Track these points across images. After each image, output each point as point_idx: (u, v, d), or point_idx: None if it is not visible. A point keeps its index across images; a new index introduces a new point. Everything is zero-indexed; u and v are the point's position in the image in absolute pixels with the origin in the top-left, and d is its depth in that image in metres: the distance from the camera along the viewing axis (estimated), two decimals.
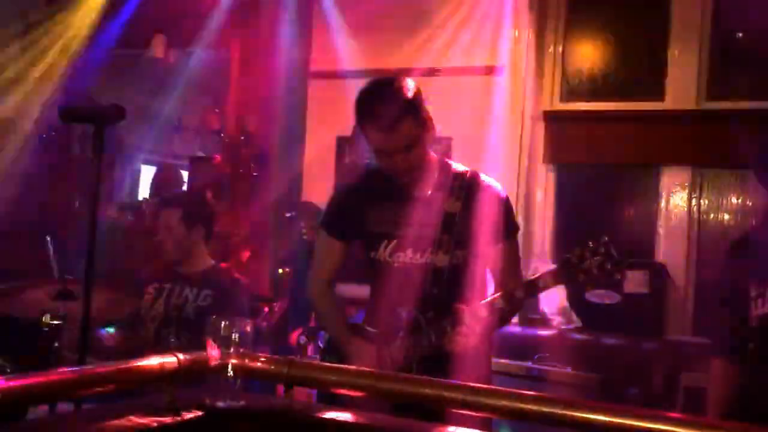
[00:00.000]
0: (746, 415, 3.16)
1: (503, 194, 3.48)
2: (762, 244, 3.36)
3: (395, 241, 3.38)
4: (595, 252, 3.07)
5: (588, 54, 6.46)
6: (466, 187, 3.42)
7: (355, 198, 3.53)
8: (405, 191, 3.40)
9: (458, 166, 3.53)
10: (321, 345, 5.10)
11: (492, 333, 3.43)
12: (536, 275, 3.29)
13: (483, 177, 3.48)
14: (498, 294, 3.25)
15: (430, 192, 3.41)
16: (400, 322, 3.33)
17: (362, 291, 3.65)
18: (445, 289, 3.33)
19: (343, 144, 6.88)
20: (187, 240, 4.72)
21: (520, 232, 3.68)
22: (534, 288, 3.27)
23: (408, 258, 3.36)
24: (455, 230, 3.35)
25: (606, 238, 3.11)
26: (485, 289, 3.37)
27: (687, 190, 6.06)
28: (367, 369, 2.78)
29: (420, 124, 3.29)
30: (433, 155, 3.48)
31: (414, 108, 3.26)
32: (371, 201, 3.46)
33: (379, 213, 3.43)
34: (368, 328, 3.44)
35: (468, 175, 3.47)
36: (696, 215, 6.06)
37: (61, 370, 1.93)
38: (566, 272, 3.13)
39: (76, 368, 2.01)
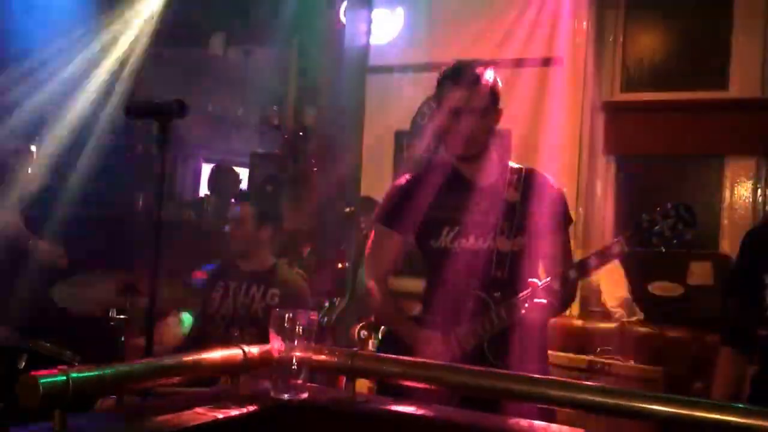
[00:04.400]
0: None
1: (559, 188, 3.59)
2: None
3: (457, 227, 3.43)
4: (666, 215, 3.14)
5: (649, 43, 6.40)
6: (524, 179, 3.50)
7: (413, 190, 3.55)
8: (465, 181, 3.48)
9: (515, 163, 3.60)
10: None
11: (551, 316, 3.46)
12: (603, 246, 3.31)
13: (539, 172, 3.57)
14: (557, 274, 3.29)
15: (489, 182, 3.48)
16: (466, 305, 3.37)
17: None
18: (508, 272, 3.39)
19: (401, 138, 6.89)
20: (254, 237, 4.78)
21: (580, 224, 3.71)
22: (605, 257, 3.27)
23: (470, 244, 3.42)
24: (515, 218, 3.41)
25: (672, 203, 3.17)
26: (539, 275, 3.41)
27: (752, 181, 5.98)
28: (428, 360, 2.81)
29: (495, 95, 3.43)
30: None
31: (492, 77, 3.43)
32: (430, 191, 3.50)
33: (438, 202, 3.47)
34: (429, 317, 3.45)
35: (525, 170, 3.56)
36: (761, 206, 5.98)
37: (128, 362, 1.97)
38: (639, 237, 3.17)
39: (144, 360, 2.05)
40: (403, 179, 3.62)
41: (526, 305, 3.24)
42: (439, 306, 3.44)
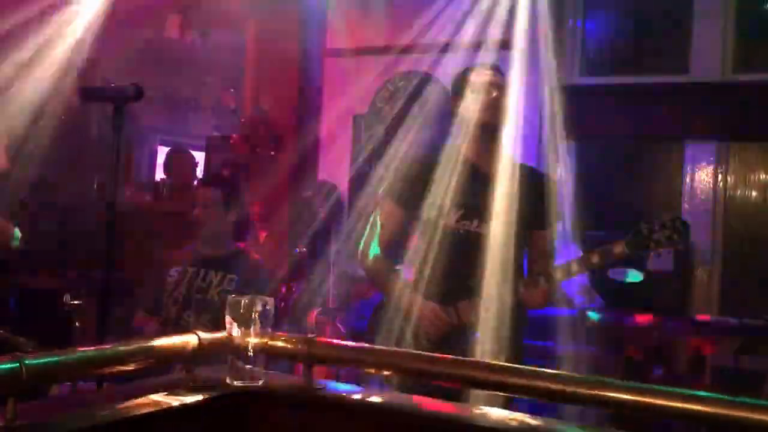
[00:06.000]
0: None
1: (555, 182, 3.98)
2: None
3: (463, 210, 3.73)
4: (663, 225, 3.48)
5: (609, 26, 6.43)
6: (524, 174, 3.81)
7: (425, 170, 3.79)
8: (474, 168, 3.78)
9: (513, 156, 3.92)
10: (340, 325, 5.17)
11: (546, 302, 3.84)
12: (601, 247, 3.60)
13: (537, 168, 4.08)
14: (572, 260, 3.68)
15: (495, 172, 3.74)
16: (468, 283, 3.64)
17: None
18: (509, 257, 3.68)
19: (359, 122, 6.89)
20: (221, 220, 4.77)
21: None
22: (607, 256, 3.60)
23: (474, 227, 3.72)
24: (518, 208, 3.69)
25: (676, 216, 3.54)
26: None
27: (712, 166, 6.03)
28: (387, 348, 2.86)
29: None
30: None
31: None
32: (440, 174, 3.76)
33: (447, 184, 3.73)
34: (429, 290, 3.72)
35: (525, 165, 3.94)
36: (722, 191, 6.03)
37: (82, 348, 1.98)
38: (637, 242, 3.51)
39: (98, 346, 2.06)
40: (411, 157, 3.90)
41: (527, 289, 3.65)
42: (440, 282, 3.71)
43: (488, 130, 3.74)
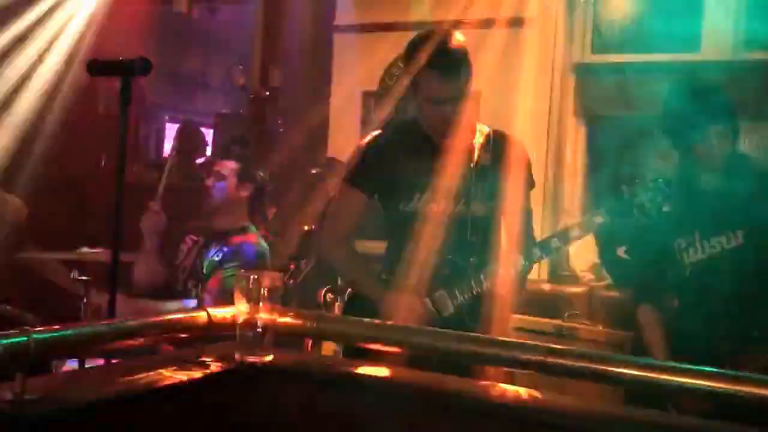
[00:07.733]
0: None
1: (526, 150, 3.66)
2: (687, 200, 3.66)
3: (428, 192, 3.44)
4: (646, 187, 3.31)
5: (620, 4, 6.39)
6: (494, 142, 3.53)
7: (384, 151, 3.55)
8: (437, 144, 3.47)
9: (482, 125, 3.62)
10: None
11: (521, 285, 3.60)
12: (583, 218, 3.42)
13: (508, 133, 3.63)
14: (553, 235, 3.52)
15: (460, 145, 3.46)
16: (441, 271, 3.42)
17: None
18: (482, 237, 3.46)
19: (368, 99, 6.87)
20: (233, 193, 4.75)
21: (550, 187, 3.78)
22: (588, 226, 3.42)
23: (443, 208, 3.43)
24: (487, 182, 3.46)
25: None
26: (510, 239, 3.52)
27: None
28: (394, 323, 2.85)
29: (471, 75, 3.41)
30: None
31: (469, 58, 3.40)
32: (401, 153, 3.51)
33: (408, 165, 3.47)
34: (399, 280, 3.42)
35: (494, 132, 3.60)
36: None
37: (91, 323, 1.98)
38: (620, 208, 3.34)
39: (106, 321, 2.06)
40: (371, 138, 3.61)
41: (502, 272, 3.35)
42: (409, 270, 3.41)
43: (447, 101, 3.37)
